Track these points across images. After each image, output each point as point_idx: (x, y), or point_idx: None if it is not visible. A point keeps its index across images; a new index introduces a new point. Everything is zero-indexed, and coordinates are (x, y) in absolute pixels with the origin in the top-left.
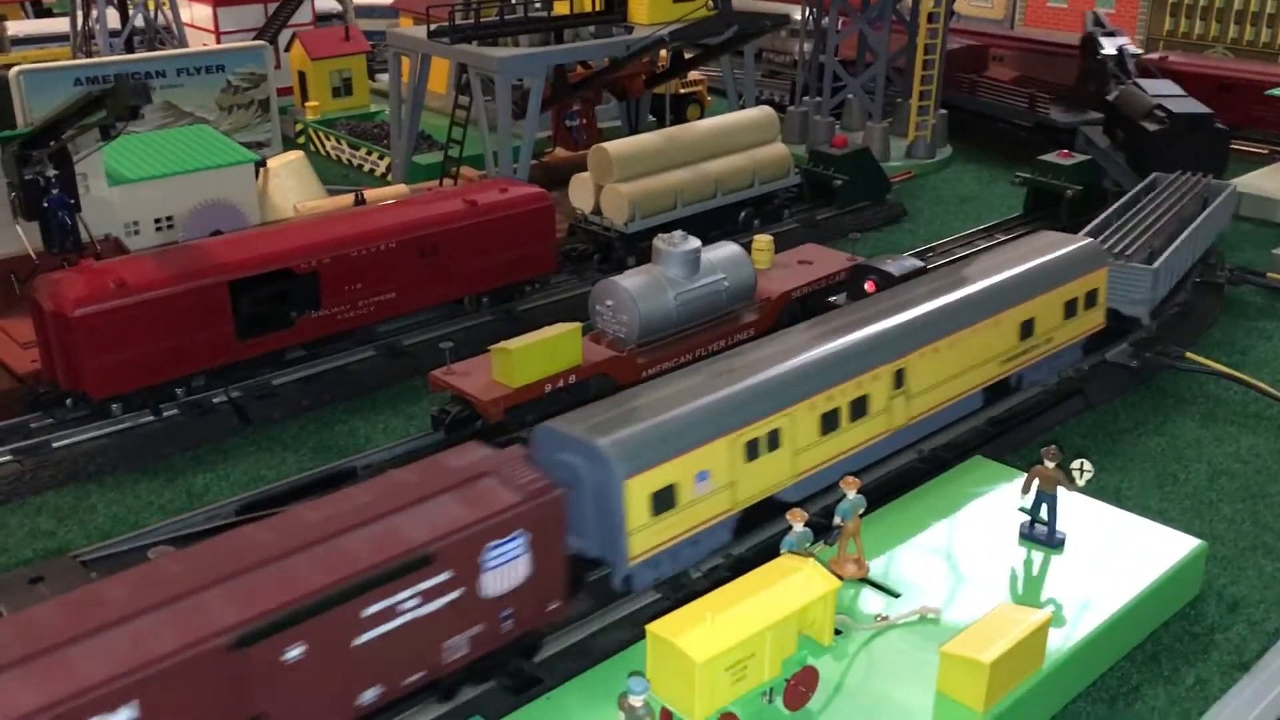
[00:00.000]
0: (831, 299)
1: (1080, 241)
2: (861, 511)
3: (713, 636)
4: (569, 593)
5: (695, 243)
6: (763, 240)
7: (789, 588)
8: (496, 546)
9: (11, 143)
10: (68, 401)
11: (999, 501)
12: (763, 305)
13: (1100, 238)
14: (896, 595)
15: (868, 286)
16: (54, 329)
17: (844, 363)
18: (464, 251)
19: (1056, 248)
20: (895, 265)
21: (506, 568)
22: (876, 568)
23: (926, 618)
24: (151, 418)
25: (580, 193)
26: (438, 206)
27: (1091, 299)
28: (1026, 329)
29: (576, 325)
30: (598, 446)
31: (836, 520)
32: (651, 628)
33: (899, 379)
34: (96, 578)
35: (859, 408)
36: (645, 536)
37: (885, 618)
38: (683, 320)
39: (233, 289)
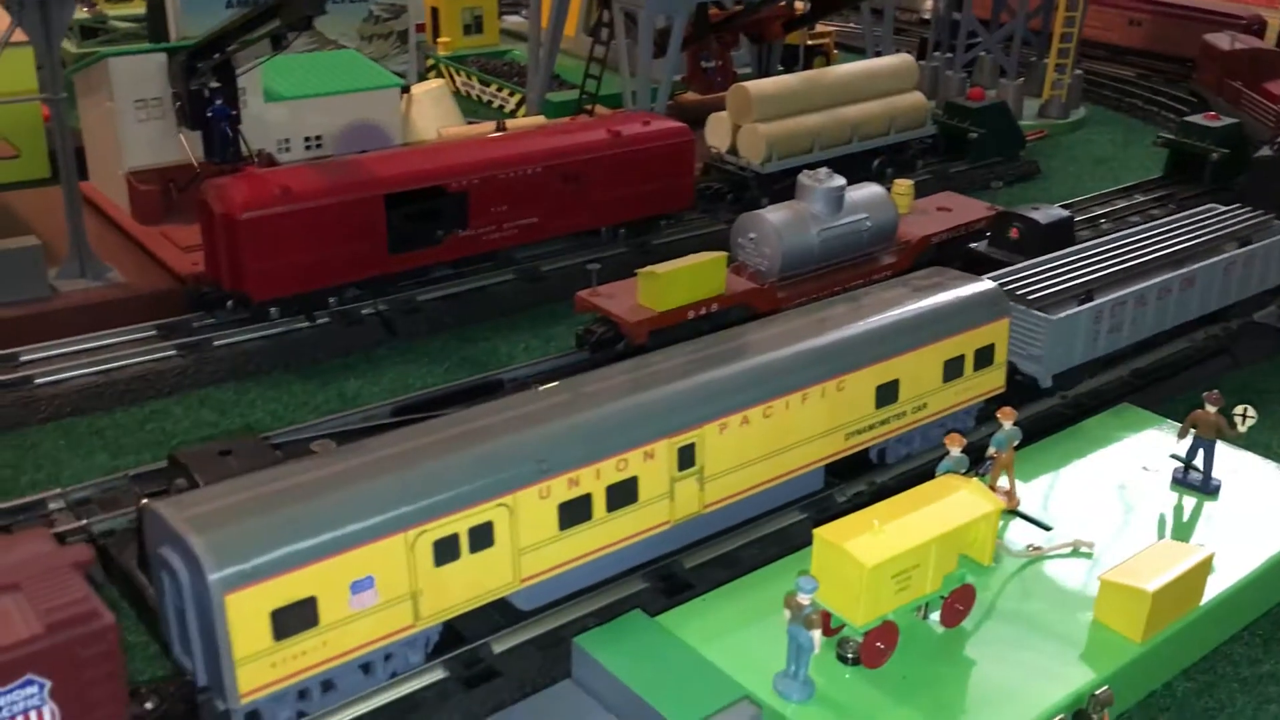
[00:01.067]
0: (973, 245)
1: (975, 285)
2: (1016, 443)
3: (881, 543)
4: None
5: (840, 180)
6: (903, 184)
7: (954, 505)
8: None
9: (178, 54)
10: (229, 303)
11: (1149, 447)
12: (902, 248)
13: (1024, 271)
14: (1048, 529)
15: (1012, 234)
16: (220, 231)
17: (596, 436)
18: (605, 180)
19: (939, 290)
20: (1042, 213)
21: None
22: (1027, 502)
23: (1080, 551)
24: (306, 323)
25: (717, 132)
26: (582, 135)
27: (985, 356)
28: (886, 394)
29: (722, 254)
30: (190, 545)
31: (991, 451)
32: (819, 532)
33: (686, 457)
34: (280, 455)
35: (623, 493)
36: (263, 667)
37: (1038, 549)
38: (824, 257)
39: (388, 203)
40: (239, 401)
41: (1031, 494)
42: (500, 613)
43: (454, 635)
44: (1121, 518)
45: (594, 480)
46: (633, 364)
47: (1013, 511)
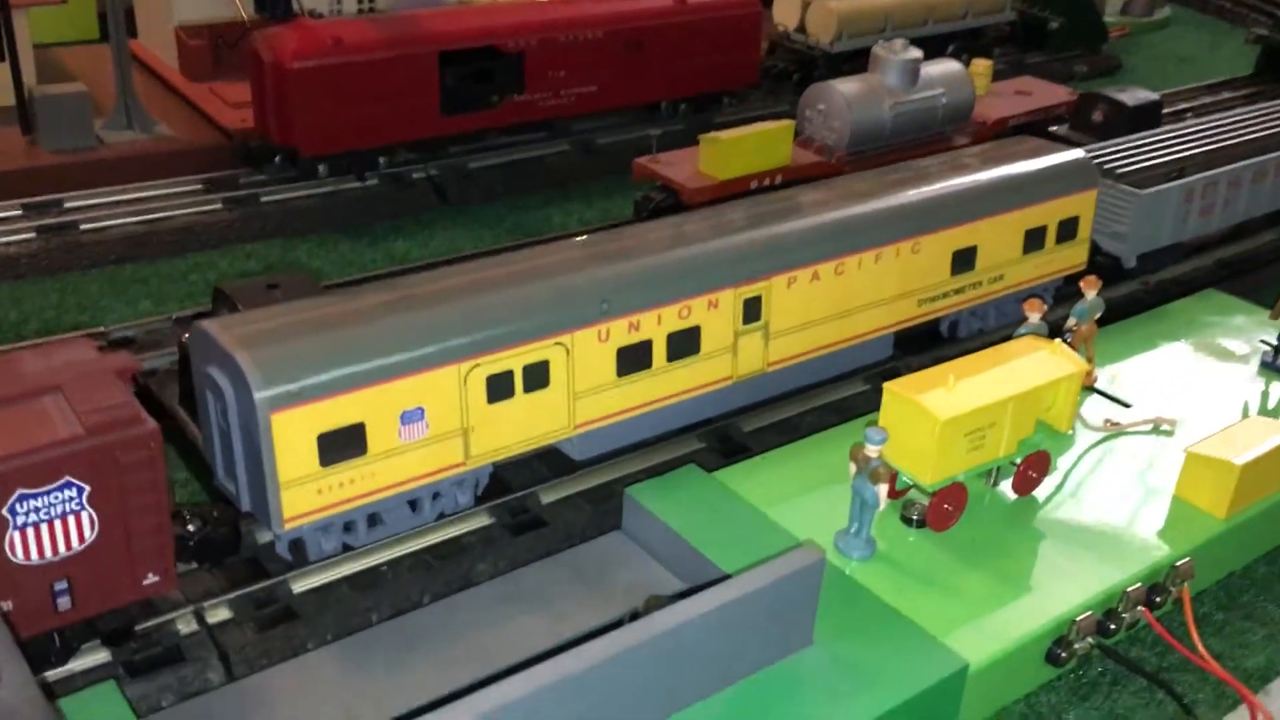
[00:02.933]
0: (1053, 129)
1: (1063, 152)
2: (1098, 316)
3: (956, 398)
4: (196, 558)
5: (916, 52)
6: (981, 64)
7: (1033, 365)
8: (31, 497)
9: None
10: (276, 158)
11: (1236, 332)
12: (978, 129)
13: (1113, 147)
14: (1127, 406)
15: (1096, 116)
16: (270, 81)
17: (662, 280)
18: (668, 50)
19: (1027, 158)
20: (1129, 95)
21: (53, 526)
22: (1105, 379)
23: (1161, 429)
24: (355, 183)
25: (786, 8)
26: (646, 0)
27: (1069, 229)
28: (962, 260)
29: (789, 122)
30: (238, 361)
31: (1071, 321)
32: (890, 385)
33: (751, 309)
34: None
35: (684, 343)
36: (309, 493)
37: (1117, 424)
38: (895, 133)
39: (441, 61)
40: (285, 257)
41: (1110, 373)
42: (549, 466)
43: (501, 487)
44: (1205, 400)
45: (655, 326)
46: (703, 213)
47: (1092, 388)
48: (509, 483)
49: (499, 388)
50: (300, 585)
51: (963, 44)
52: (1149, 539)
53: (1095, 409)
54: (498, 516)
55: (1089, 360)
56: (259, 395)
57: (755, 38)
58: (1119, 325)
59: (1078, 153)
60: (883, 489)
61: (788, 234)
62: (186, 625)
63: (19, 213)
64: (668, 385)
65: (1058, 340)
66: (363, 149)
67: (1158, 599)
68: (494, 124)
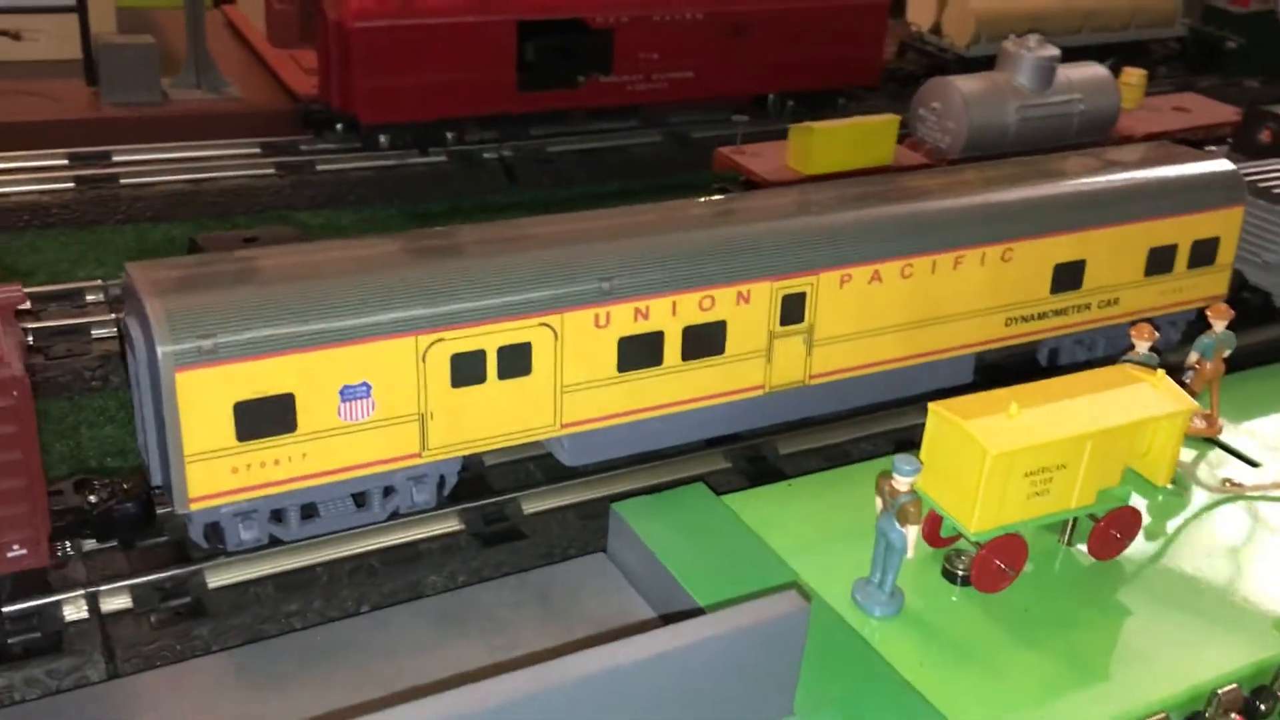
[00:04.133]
0: (1210, 148)
1: (1204, 162)
2: (1228, 354)
3: (1016, 429)
4: (97, 534)
5: (1053, 50)
6: (1134, 74)
7: (1126, 398)
8: None
9: None
10: (338, 126)
11: None
12: (1119, 144)
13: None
14: (1256, 465)
15: (1264, 136)
16: (332, 41)
17: (678, 262)
18: (778, 38)
19: (1159, 164)
20: None
21: None
22: (1231, 431)
23: None
24: (418, 158)
25: (921, 6)
26: None
27: (1206, 252)
28: (1066, 276)
29: (894, 118)
30: (146, 309)
31: (1192, 357)
32: (936, 406)
33: (792, 309)
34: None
35: (705, 340)
36: (221, 470)
37: (1239, 485)
38: (1020, 140)
39: (521, 31)
40: (328, 227)
41: (1240, 425)
42: (543, 471)
43: (478, 489)
44: None
45: (668, 316)
46: (759, 193)
47: (1211, 440)
48: (491, 485)
49: (467, 370)
50: (217, 579)
51: (1123, 59)
52: (1259, 630)
53: (1215, 465)
54: (468, 523)
55: (1213, 406)
56: (162, 349)
57: (879, 33)
58: (1258, 371)
59: (1222, 163)
60: (913, 532)
61: (843, 223)
62: (77, 611)
63: (64, 162)
64: (683, 388)
65: (1161, 371)
66: (427, 121)
67: (1262, 706)
68: (576, 105)
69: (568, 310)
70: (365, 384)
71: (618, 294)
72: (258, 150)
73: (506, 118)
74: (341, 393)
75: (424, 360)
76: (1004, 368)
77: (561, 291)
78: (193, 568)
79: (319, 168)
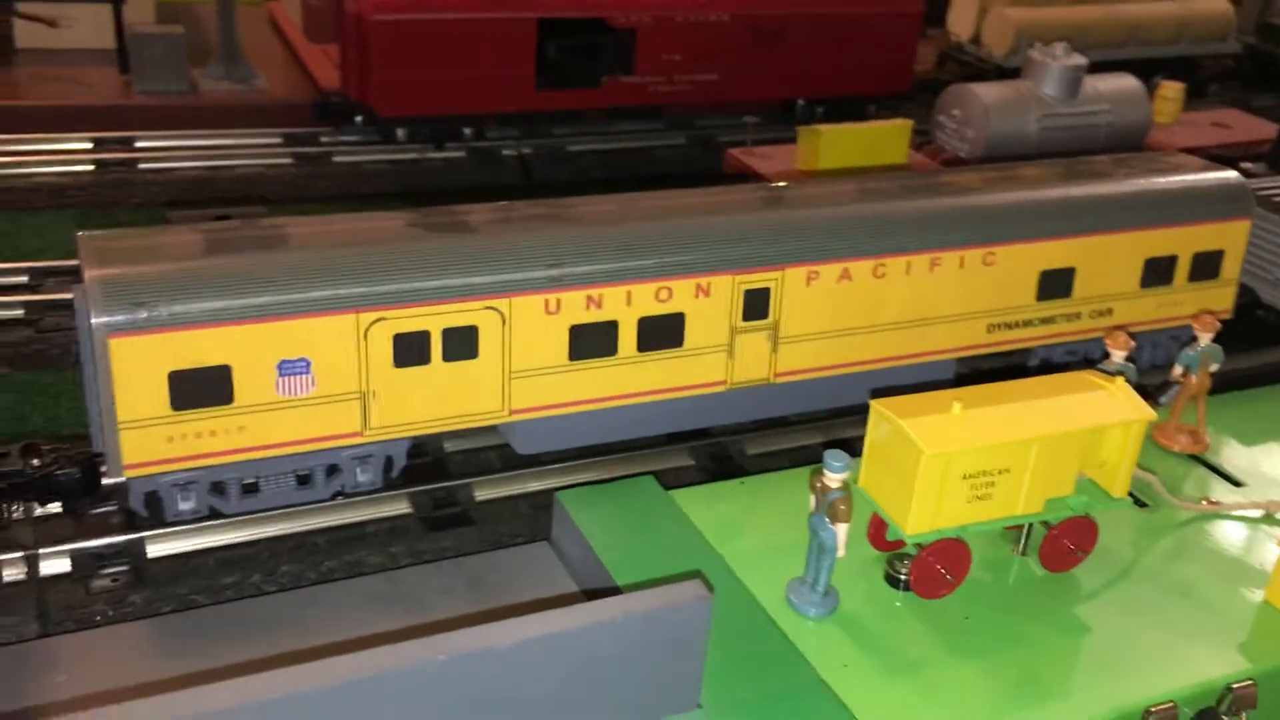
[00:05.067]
0: (1245, 165)
1: (1210, 170)
2: (1215, 368)
3: (955, 429)
4: (38, 498)
5: (1080, 59)
6: (1172, 87)
7: (1078, 404)
8: None
9: None
10: (356, 118)
11: None
12: None
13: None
14: (1239, 484)
15: None
16: (351, 33)
17: (632, 251)
18: (807, 41)
19: (1161, 172)
20: None
21: None
22: (1220, 450)
23: (1276, 516)
24: (435, 152)
25: (961, 17)
26: None
27: (1208, 265)
28: (1053, 283)
29: (906, 122)
30: (84, 276)
31: (1176, 371)
32: (877, 403)
33: (756, 304)
34: None
35: (662, 332)
36: (156, 439)
37: (1216, 503)
38: (1042, 151)
39: (541, 29)
40: None
41: (1228, 443)
42: (501, 459)
43: (433, 473)
44: None
45: (623, 306)
46: (737, 186)
47: (1196, 457)
48: (447, 469)
49: (410, 350)
50: (157, 549)
51: (1172, 74)
52: (1212, 649)
53: (1196, 482)
54: (418, 506)
55: (1199, 422)
56: (95, 317)
57: (910, 38)
58: (1255, 392)
59: (1229, 173)
60: (843, 530)
61: (810, 219)
62: (15, 573)
63: (88, 146)
64: (638, 380)
65: (1121, 379)
66: (444, 115)
67: None
68: (596, 104)
69: (516, 295)
70: (304, 360)
71: (569, 281)
72: (278, 140)
73: (524, 115)
74: (279, 367)
75: (365, 338)
76: (989, 374)
77: (509, 276)
78: (133, 536)
79: (335, 159)
